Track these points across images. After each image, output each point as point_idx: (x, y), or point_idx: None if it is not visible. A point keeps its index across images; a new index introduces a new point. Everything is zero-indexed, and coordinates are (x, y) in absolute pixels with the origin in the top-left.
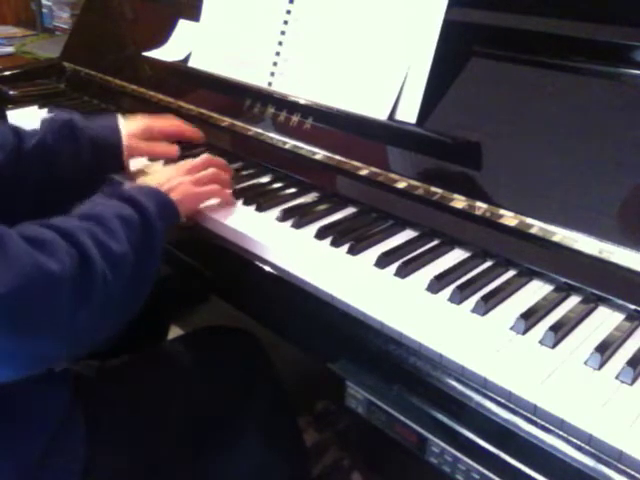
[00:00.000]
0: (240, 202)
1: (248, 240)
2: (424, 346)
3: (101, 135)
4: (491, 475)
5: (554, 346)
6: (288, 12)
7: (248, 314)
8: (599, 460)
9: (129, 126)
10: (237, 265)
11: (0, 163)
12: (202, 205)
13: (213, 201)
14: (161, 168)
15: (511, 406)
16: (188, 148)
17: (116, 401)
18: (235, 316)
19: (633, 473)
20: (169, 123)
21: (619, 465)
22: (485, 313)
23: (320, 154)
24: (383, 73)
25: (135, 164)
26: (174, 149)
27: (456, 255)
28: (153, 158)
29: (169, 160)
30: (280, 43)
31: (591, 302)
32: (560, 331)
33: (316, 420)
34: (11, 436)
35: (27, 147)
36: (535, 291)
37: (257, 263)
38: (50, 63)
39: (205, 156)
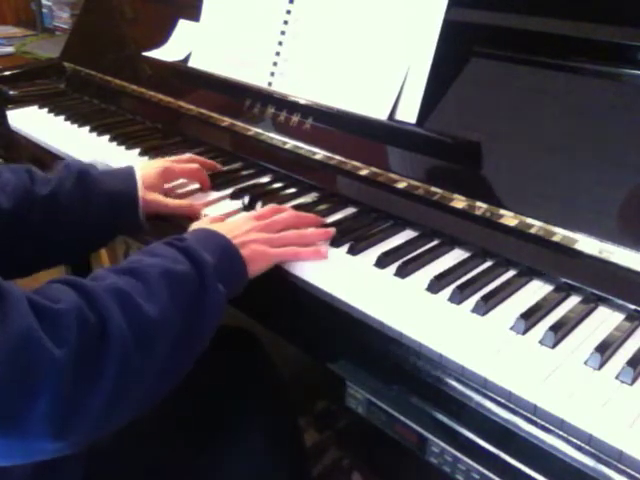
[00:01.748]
0: (239, 202)
1: None
2: (424, 346)
3: (117, 190)
4: (491, 475)
5: (554, 346)
6: (288, 12)
7: (248, 314)
8: (599, 460)
9: (146, 175)
10: None
11: (10, 209)
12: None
13: None
14: (236, 217)
15: (511, 406)
16: (189, 148)
17: None
18: (235, 316)
19: (633, 473)
20: (188, 165)
21: (619, 465)
22: (485, 313)
23: (320, 154)
24: (383, 73)
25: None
26: (196, 209)
27: (456, 255)
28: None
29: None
30: (280, 43)
31: (591, 302)
32: (560, 331)
33: (316, 420)
34: None
35: (40, 195)
36: (535, 291)
37: None
38: (50, 63)
39: (294, 214)
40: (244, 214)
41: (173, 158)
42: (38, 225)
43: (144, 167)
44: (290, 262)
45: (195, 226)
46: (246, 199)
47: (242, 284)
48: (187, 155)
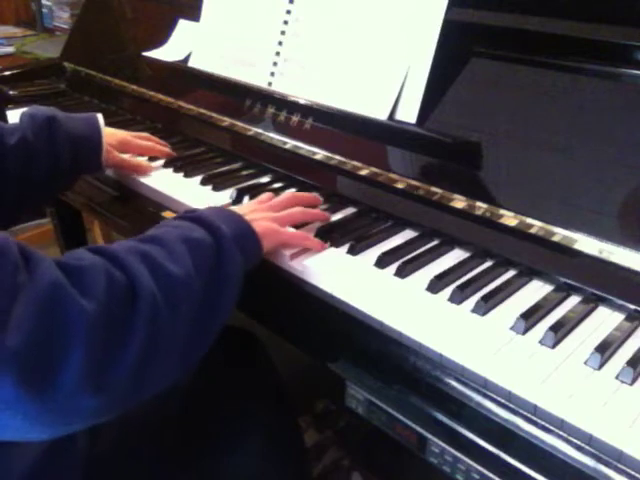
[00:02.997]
0: (240, 203)
1: None
2: (424, 346)
3: (81, 133)
4: (491, 475)
5: (554, 346)
6: (288, 12)
7: (248, 314)
8: (599, 460)
9: (108, 136)
10: None
11: None
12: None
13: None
14: (243, 204)
15: (511, 406)
16: (189, 148)
17: None
18: (235, 316)
19: (633, 473)
20: (145, 142)
21: (619, 465)
22: (485, 313)
23: (320, 154)
24: (383, 73)
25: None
26: (147, 167)
27: (456, 255)
28: None
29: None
30: (280, 43)
31: (591, 302)
32: (560, 331)
33: (316, 420)
34: None
35: (9, 144)
36: (535, 291)
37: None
38: (50, 63)
39: (290, 194)
40: (254, 200)
41: (133, 134)
42: (14, 171)
43: (108, 129)
44: (291, 262)
45: None
46: (246, 199)
47: (258, 258)
48: (145, 134)
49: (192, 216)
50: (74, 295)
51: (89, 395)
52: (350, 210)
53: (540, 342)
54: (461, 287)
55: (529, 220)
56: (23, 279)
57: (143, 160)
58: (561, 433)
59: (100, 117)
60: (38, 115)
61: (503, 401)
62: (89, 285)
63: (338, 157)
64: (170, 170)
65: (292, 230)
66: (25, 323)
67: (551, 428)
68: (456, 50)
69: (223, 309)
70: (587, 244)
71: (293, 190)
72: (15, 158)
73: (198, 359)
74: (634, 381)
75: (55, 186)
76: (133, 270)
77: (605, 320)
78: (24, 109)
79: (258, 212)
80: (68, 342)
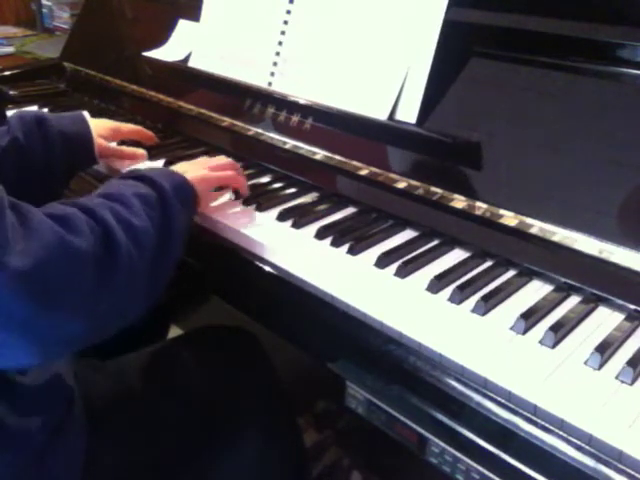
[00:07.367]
0: (240, 202)
1: (248, 240)
2: (424, 346)
3: (72, 130)
4: (491, 475)
5: (554, 346)
6: (288, 12)
7: (248, 314)
8: (599, 460)
9: (97, 127)
10: (237, 265)
11: None
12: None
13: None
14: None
15: (511, 406)
16: (189, 148)
17: (116, 400)
18: (235, 316)
19: (633, 473)
20: (131, 127)
21: (619, 465)
22: (485, 313)
23: (320, 154)
24: (383, 73)
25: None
26: (143, 154)
27: (456, 255)
28: None
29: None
30: (280, 43)
31: (591, 302)
32: (560, 331)
33: (316, 420)
34: (11, 430)
35: (0, 146)
36: (535, 291)
37: (257, 263)
38: (50, 63)
39: (222, 157)
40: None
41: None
42: (9, 173)
43: (94, 120)
44: (285, 264)
45: None
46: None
47: (195, 203)
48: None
49: (136, 175)
50: (72, 239)
51: (79, 322)
52: (350, 210)
53: (540, 342)
54: (461, 287)
55: (529, 220)
56: (19, 227)
57: (137, 149)
58: (561, 433)
59: (86, 113)
60: (26, 116)
61: (503, 401)
62: (76, 229)
63: (338, 157)
64: None
65: (222, 172)
66: (32, 256)
67: (551, 428)
68: (456, 50)
69: (174, 248)
70: (587, 244)
71: (293, 190)
72: (8, 159)
73: (159, 293)
74: (634, 381)
75: (51, 185)
76: (107, 222)
77: (605, 320)
78: (27, 108)
79: (191, 166)
80: (72, 279)
